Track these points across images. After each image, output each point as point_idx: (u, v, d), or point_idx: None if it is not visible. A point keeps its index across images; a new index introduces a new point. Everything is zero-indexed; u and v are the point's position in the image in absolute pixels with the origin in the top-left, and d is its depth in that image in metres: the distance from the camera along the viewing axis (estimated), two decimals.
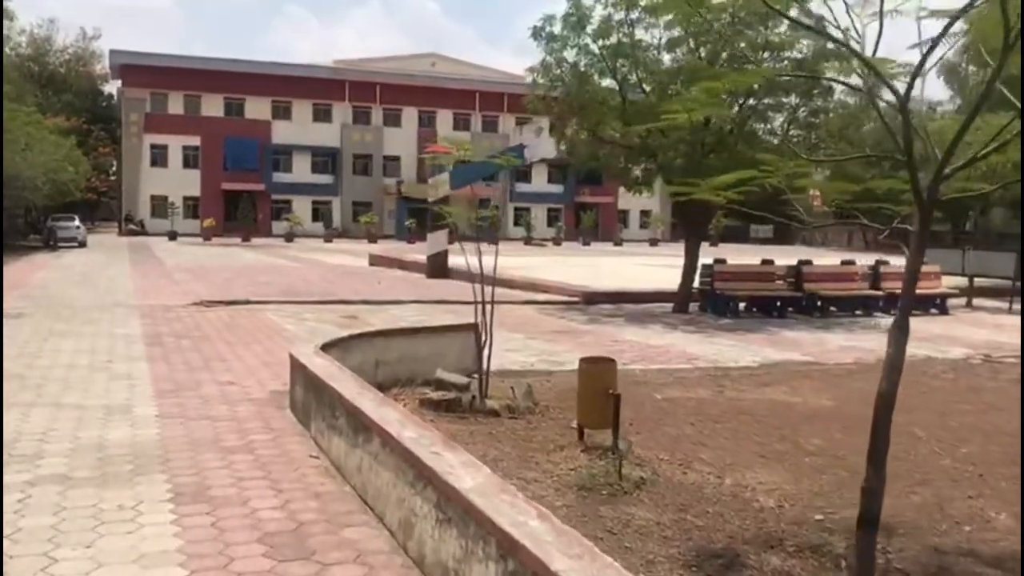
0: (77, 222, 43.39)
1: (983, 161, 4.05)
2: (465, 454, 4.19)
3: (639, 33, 15.28)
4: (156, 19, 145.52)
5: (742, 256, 32.58)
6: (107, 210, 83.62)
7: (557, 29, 15.71)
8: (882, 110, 4.46)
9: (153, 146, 63.75)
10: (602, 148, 16.40)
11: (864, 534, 3.99)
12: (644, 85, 15.48)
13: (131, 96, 63.16)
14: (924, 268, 18.18)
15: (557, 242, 61.08)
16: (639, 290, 18.86)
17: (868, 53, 3.94)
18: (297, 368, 7.15)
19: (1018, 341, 12.50)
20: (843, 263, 18.15)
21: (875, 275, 17.25)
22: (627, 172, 16.02)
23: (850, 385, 9.78)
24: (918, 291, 15.70)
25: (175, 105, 64.52)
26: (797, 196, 6.07)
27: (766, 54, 15.17)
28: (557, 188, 73.19)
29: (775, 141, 14.78)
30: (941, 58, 24.40)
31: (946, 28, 3.94)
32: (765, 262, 17.39)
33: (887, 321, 16.06)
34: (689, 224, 16.82)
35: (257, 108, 66.13)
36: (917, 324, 15.72)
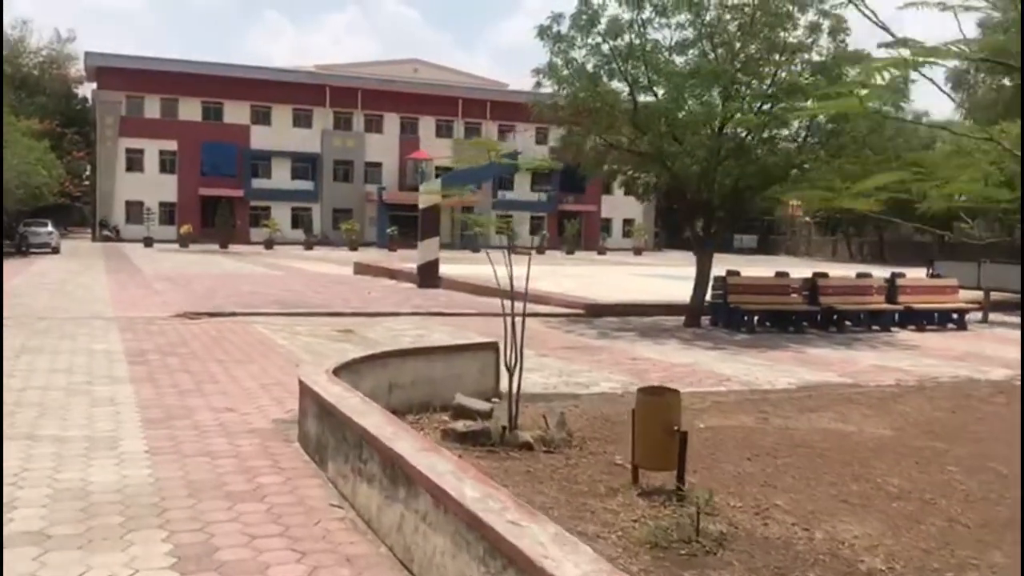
0: (50, 227, 42.03)
1: None
2: (553, 525, 3.35)
3: (651, 33, 14.54)
4: (131, 22, 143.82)
5: (728, 266, 32.14)
6: (80, 215, 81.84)
7: (564, 28, 14.94)
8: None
9: (129, 150, 62.27)
10: (610, 154, 15.62)
11: None
12: (656, 88, 14.71)
13: (106, 99, 61.69)
14: (941, 282, 17.61)
15: (541, 251, 60.23)
16: (644, 302, 18.08)
17: None
18: (308, 396, 6.28)
19: None
20: (859, 276, 17.45)
21: (891, 288, 16.55)
22: (635, 180, 15.20)
23: (900, 410, 9.05)
24: (935, 305, 14.99)
25: (152, 109, 63.11)
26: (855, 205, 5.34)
27: (783, 56, 14.48)
28: (540, 196, 72.45)
29: (791, 146, 14.05)
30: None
31: None
32: (779, 274, 16.69)
33: (908, 336, 15.47)
34: (700, 235, 16.04)
35: (236, 112, 64.87)
36: (940, 340, 15.14)
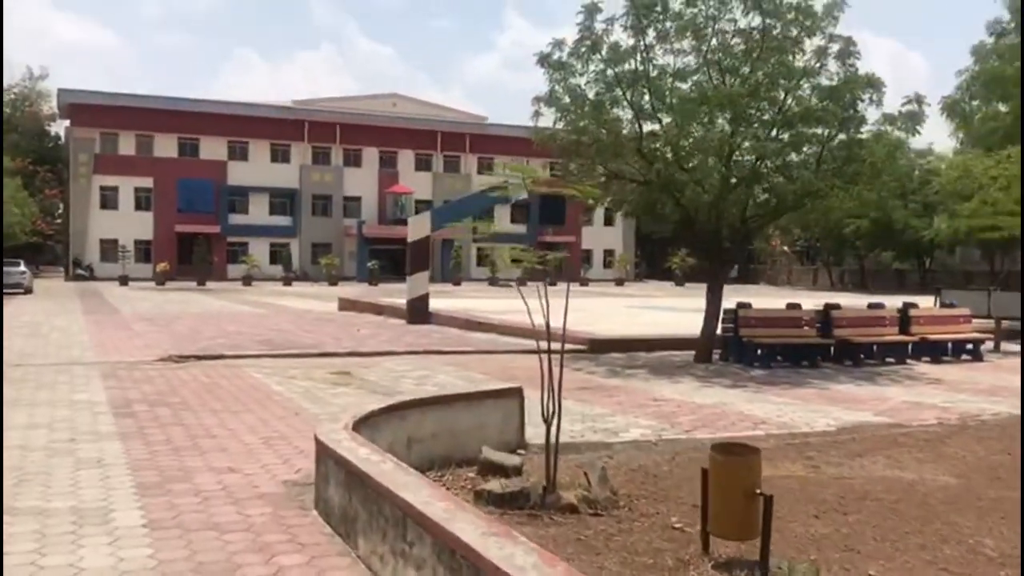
0: (22, 267, 40.83)
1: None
2: None
3: (658, 59, 14.03)
4: (104, 60, 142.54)
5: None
6: (53, 254, 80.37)
7: (566, 56, 14.39)
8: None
9: (103, 188, 61.14)
10: (614, 184, 15.03)
11: None
12: (661, 115, 14.18)
13: (80, 136, 60.63)
14: (954, 311, 17.09)
15: (523, 282, 59.49)
16: (648, 336, 17.42)
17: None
18: (329, 459, 5.54)
19: None
20: (870, 306, 16.88)
21: (904, 319, 16.00)
22: (647, 210, 14.56)
23: (952, 453, 8.42)
24: (950, 335, 14.42)
25: (126, 145, 62.11)
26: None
27: (792, 82, 14.00)
28: (520, 228, 71.93)
29: (807, 172, 13.52)
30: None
31: None
32: (791, 306, 16.09)
33: (927, 369, 14.88)
34: (712, 267, 15.43)
35: (212, 148, 63.98)
36: (961, 373, 14.53)
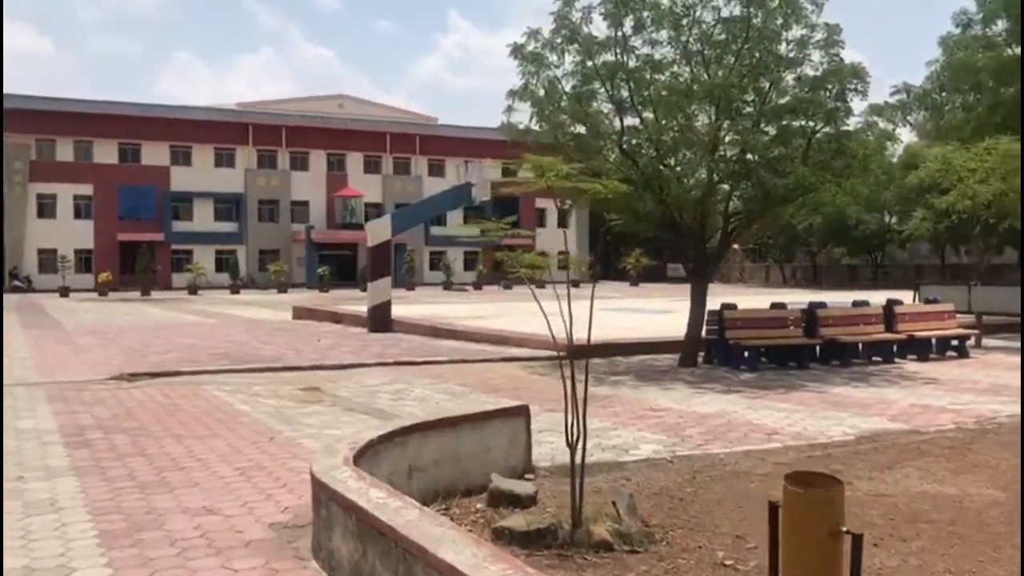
0: None
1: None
2: None
3: (640, 49, 13.41)
4: (40, 67, 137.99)
5: (667, 296, 31.28)
6: None
7: (540, 47, 13.69)
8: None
9: (40, 196, 58.88)
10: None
11: None
12: (641, 107, 13.55)
13: (14, 143, 58.22)
14: (938, 307, 16.74)
15: (478, 286, 58.81)
16: (628, 340, 16.76)
17: None
18: (331, 500, 4.74)
19: None
20: (855, 304, 16.43)
21: (888, 316, 15.59)
22: (628, 209, 13.88)
23: (984, 461, 7.90)
24: (936, 332, 14.02)
25: (64, 152, 59.91)
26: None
27: (777, 72, 13.48)
28: (473, 231, 71.11)
29: (801, 166, 12.99)
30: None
31: None
32: (775, 306, 15.57)
33: (917, 368, 14.44)
34: (695, 268, 14.81)
35: (154, 154, 62.00)
36: (953, 371, 14.07)
